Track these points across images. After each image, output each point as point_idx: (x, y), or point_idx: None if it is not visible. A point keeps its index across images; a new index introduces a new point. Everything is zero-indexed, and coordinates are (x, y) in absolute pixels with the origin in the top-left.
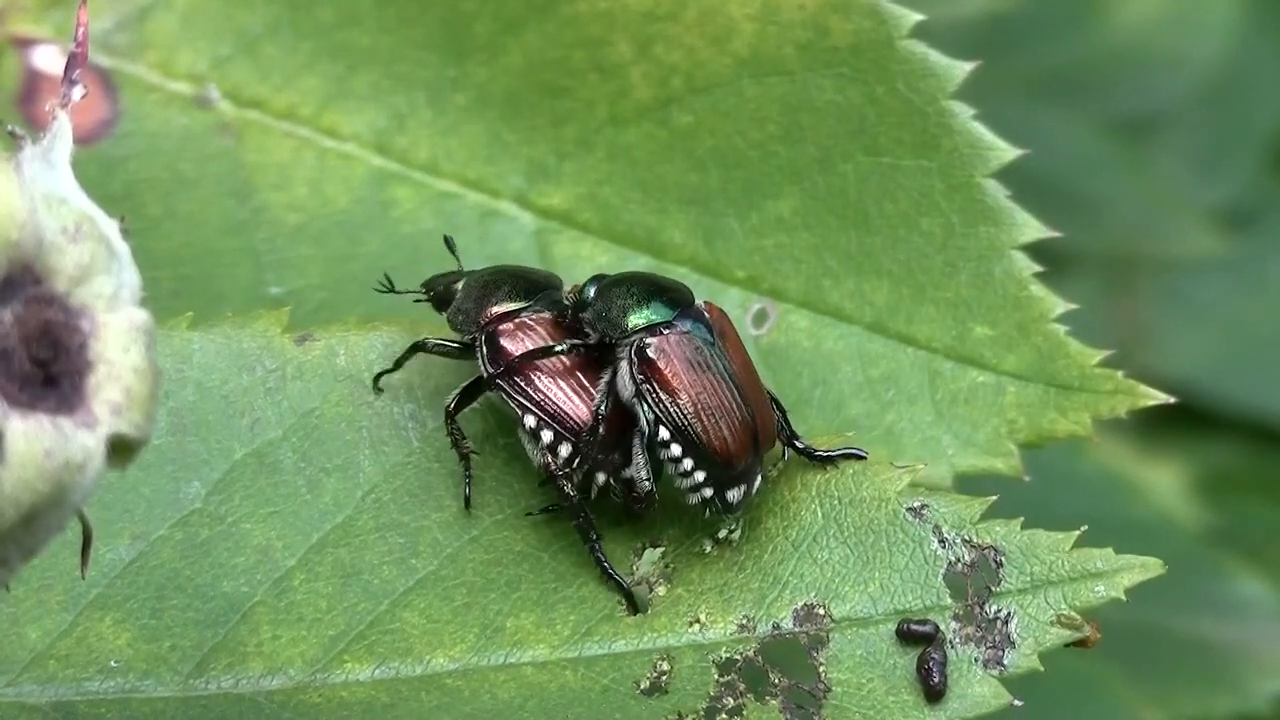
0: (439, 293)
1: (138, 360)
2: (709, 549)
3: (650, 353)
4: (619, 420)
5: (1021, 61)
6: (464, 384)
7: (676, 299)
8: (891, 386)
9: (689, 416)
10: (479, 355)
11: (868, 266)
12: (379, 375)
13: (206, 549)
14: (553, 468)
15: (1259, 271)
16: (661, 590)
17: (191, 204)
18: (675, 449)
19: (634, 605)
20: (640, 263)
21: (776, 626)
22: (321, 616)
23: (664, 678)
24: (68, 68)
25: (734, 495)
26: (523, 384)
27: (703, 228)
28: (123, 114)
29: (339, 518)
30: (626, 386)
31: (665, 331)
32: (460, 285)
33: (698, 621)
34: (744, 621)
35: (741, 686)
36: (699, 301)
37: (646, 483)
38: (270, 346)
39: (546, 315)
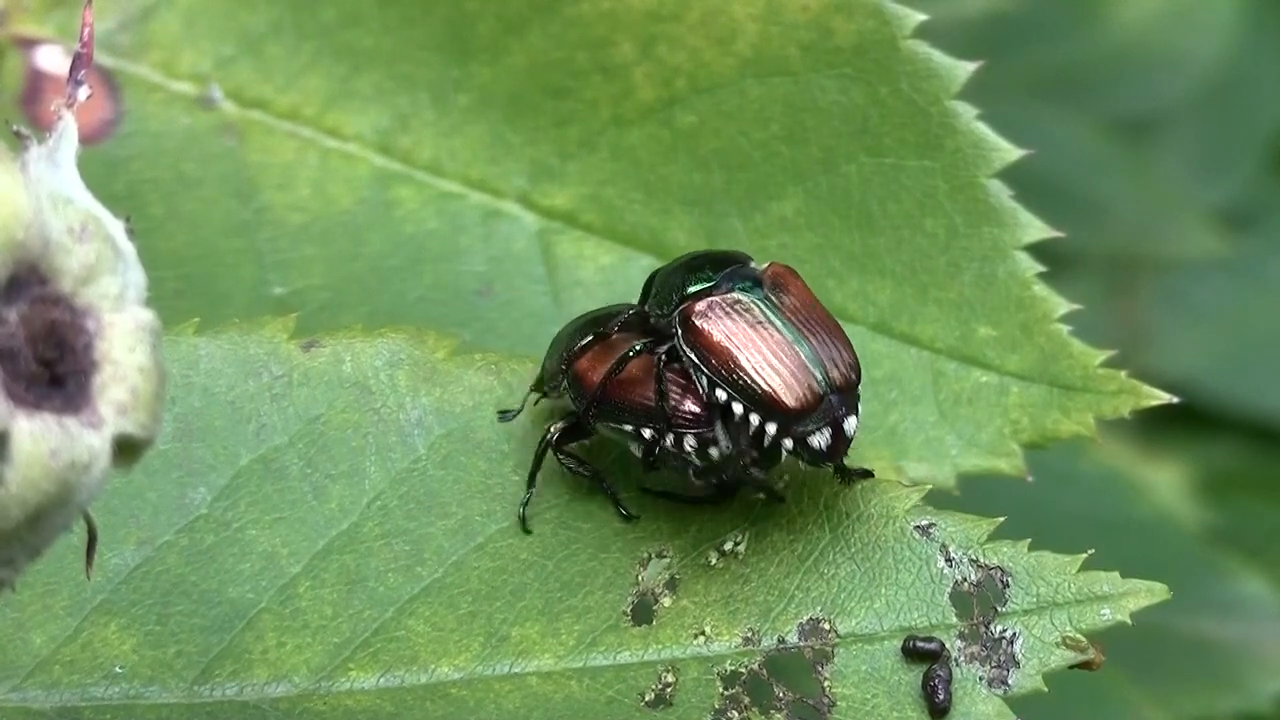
0: (542, 384)
1: (143, 360)
2: (715, 561)
3: (693, 319)
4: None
5: (1022, 61)
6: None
7: (719, 264)
8: (895, 387)
9: (739, 372)
10: (571, 399)
11: (871, 267)
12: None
13: (212, 555)
14: (696, 461)
15: (1259, 271)
16: (667, 601)
17: (194, 204)
18: (738, 408)
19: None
20: (643, 264)
21: (781, 640)
22: (326, 623)
23: (669, 690)
24: (73, 68)
25: (819, 441)
26: (618, 406)
27: (706, 228)
28: (126, 114)
29: (344, 524)
30: (681, 354)
31: (705, 297)
32: (547, 362)
33: (703, 634)
34: (749, 635)
35: (746, 700)
36: (756, 264)
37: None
38: (276, 352)
39: (625, 333)
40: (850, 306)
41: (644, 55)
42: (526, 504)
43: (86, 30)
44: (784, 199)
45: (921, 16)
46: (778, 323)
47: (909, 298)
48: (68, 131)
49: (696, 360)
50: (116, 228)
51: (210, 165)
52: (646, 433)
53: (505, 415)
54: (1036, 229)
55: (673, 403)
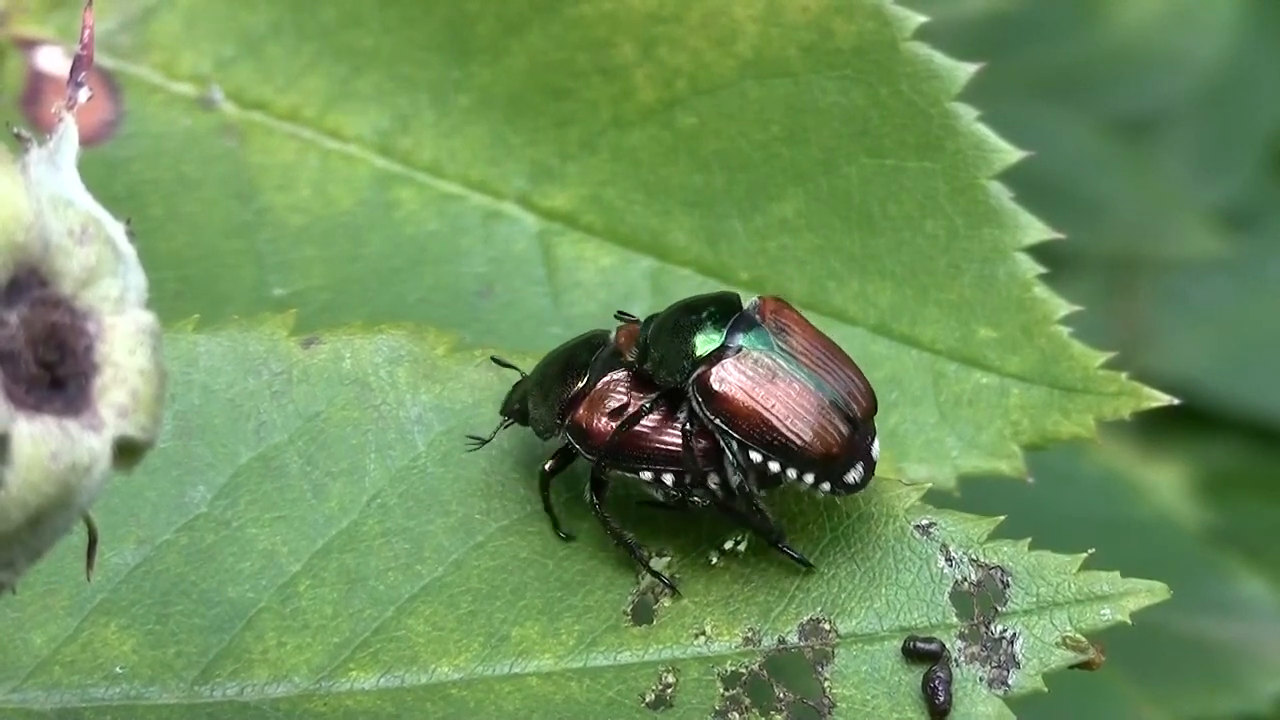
0: (517, 412)
1: (144, 363)
2: (715, 560)
3: (714, 385)
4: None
5: (1022, 61)
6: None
7: (721, 317)
8: (895, 388)
9: (772, 433)
10: (577, 452)
11: (871, 268)
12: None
13: (212, 554)
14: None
15: (1259, 271)
16: (667, 601)
17: (195, 205)
18: (774, 466)
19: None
20: (644, 265)
21: (782, 641)
22: (326, 623)
23: (669, 691)
24: (73, 70)
25: (854, 476)
26: (634, 454)
27: (706, 230)
28: (126, 115)
29: (344, 523)
30: (704, 421)
31: (719, 359)
32: (525, 395)
33: (703, 634)
34: (749, 635)
35: (746, 701)
36: (750, 302)
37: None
38: (276, 350)
39: (615, 375)
40: (851, 308)
41: (645, 56)
42: (557, 526)
43: (87, 31)
44: (784, 200)
45: (922, 18)
46: (796, 372)
47: (909, 299)
48: (68, 133)
49: (724, 426)
50: (117, 230)
51: (211, 166)
52: (668, 478)
53: (475, 442)
54: (1037, 230)
55: (695, 447)
